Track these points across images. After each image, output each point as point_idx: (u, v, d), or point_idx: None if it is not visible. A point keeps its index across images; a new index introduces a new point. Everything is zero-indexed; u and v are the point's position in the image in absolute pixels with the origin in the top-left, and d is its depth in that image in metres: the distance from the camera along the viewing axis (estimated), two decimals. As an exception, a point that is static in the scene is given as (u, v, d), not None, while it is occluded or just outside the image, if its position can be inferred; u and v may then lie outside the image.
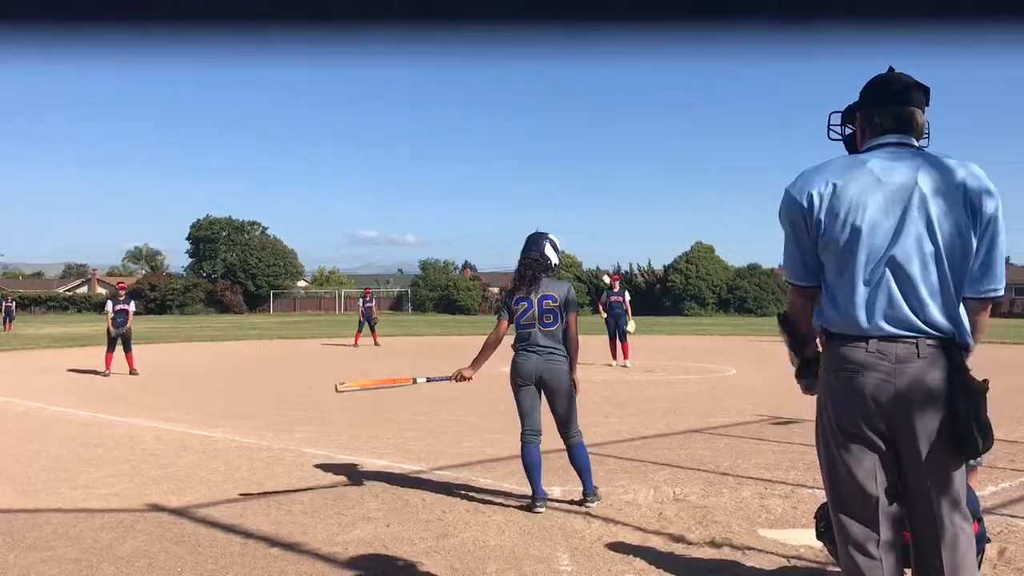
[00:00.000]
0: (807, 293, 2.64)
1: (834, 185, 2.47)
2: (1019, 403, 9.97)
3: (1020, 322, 37.77)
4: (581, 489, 5.33)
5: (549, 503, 5.29)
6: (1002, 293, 2.50)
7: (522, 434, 5.30)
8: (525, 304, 5.31)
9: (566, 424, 5.28)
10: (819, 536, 3.54)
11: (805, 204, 2.50)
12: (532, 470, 5.23)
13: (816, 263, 2.56)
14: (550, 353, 5.24)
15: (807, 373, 2.77)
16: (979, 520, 3.22)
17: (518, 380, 5.30)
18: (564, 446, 5.36)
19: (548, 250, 5.40)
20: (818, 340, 2.66)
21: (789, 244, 2.61)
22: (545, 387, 5.26)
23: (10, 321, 35.06)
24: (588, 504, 5.23)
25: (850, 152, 2.78)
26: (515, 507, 5.27)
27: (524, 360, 5.28)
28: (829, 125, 2.84)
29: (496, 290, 64.85)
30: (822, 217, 2.48)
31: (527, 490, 5.46)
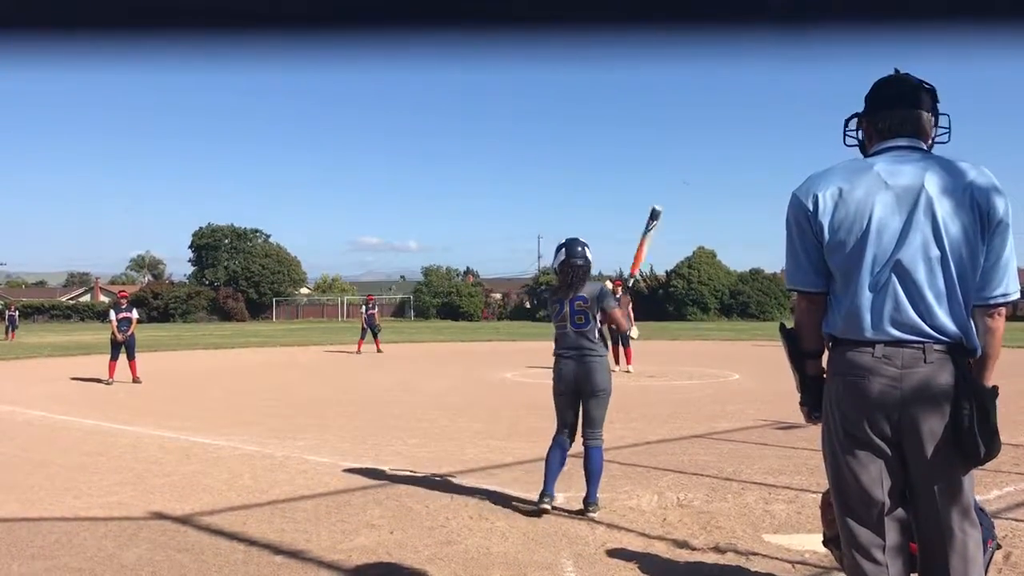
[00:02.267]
0: (813, 300, 2.57)
1: (840, 188, 2.45)
2: None
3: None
4: (584, 497, 5.29)
5: (554, 509, 5.28)
6: (1013, 299, 2.43)
7: (556, 434, 5.38)
8: (557, 306, 5.40)
9: (592, 424, 5.31)
10: (825, 543, 3.52)
11: (811, 207, 2.48)
12: (552, 470, 5.29)
13: (822, 268, 2.51)
14: (584, 355, 5.29)
15: (808, 397, 2.68)
16: (984, 525, 3.20)
17: (560, 387, 5.36)
18: (582, 446, 5.35)
19: (589, 254, 5.50)
20: (826, 350, 2.63)
21: (794, 249, 2.56)
22: (582, 390, 5.30)
23: (13, 330, 35.12)
24: (589, 514, 5.16)
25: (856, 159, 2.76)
26: (519, 513, 5.26)
27: (563, 366, 5.35)
28: (845, 131, 2.80)
29: (498, 296, 64.93)
30: (828, 221, 2.45)
31: (531, 496, 5.46)
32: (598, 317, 5.34)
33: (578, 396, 5.33)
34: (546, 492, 5.23)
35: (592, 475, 5.27)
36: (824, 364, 2.64)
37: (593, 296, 5.34)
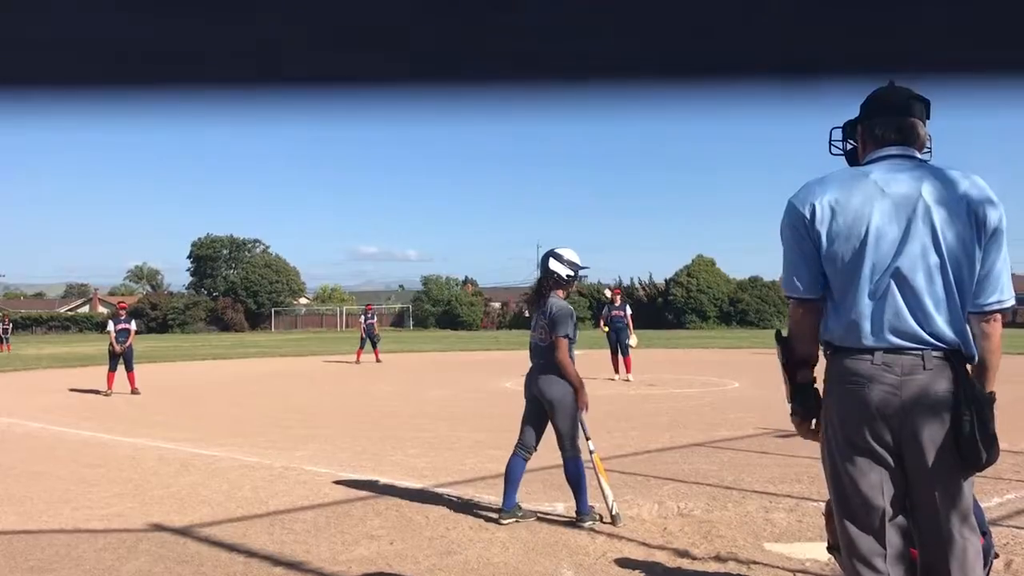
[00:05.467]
0: (808, 307, 2.58)
1: (837, 197, 2.47)
2: None
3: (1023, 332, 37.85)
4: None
5: (554, 519, 5.30)
6: (1008, 305, 2.45)
7: (515, 444, 5.42)
8: (533, 319, 5.52)
9: (559, 438, 5.30)
10: (829, 549, 3.52)
11: (808, 215, 2.49)
12: (507, 481, 5.30)
13: (818, 275, 2.53)
14: (543, 367, 5.33)
15: (798, 406, 2.66)
16: (985, 533, 3.20)
17: (525, 392, 5.45)
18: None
19: (552, 265, 5.44)
20: (822, 355, 2.63)
21: (790, 256, 2.58)
22: (543, 401, 5.32)
23: (6, 342, 35.10)
24: (581, 524, 5.14)
25: (852, 167, 2.78)
26: (519, 523, 5.25)
27: (528, 374, 5.45)
28: (831, 141, 2.83)
29: (498, 305, 64.96)
30: (825, 229, 2.47)
31: (532, 506, 5.46)
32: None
33: (540, 407, 5.37)
34: (504, 508, 5.30)
35: (572, 487, 5.25)
36: (814, 373, 2.65)
37: (550, 313, 5.32)
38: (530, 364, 5.45)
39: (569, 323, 5.30)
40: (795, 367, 2.65)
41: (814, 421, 2.65)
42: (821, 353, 2.62)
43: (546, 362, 5.30)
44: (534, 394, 5.35)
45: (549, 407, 5.28)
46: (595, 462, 5.36)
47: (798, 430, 2.72)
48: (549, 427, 5.37)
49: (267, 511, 5.74)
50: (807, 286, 2.56)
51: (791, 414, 2.71)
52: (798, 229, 2.53)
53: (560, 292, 5.43)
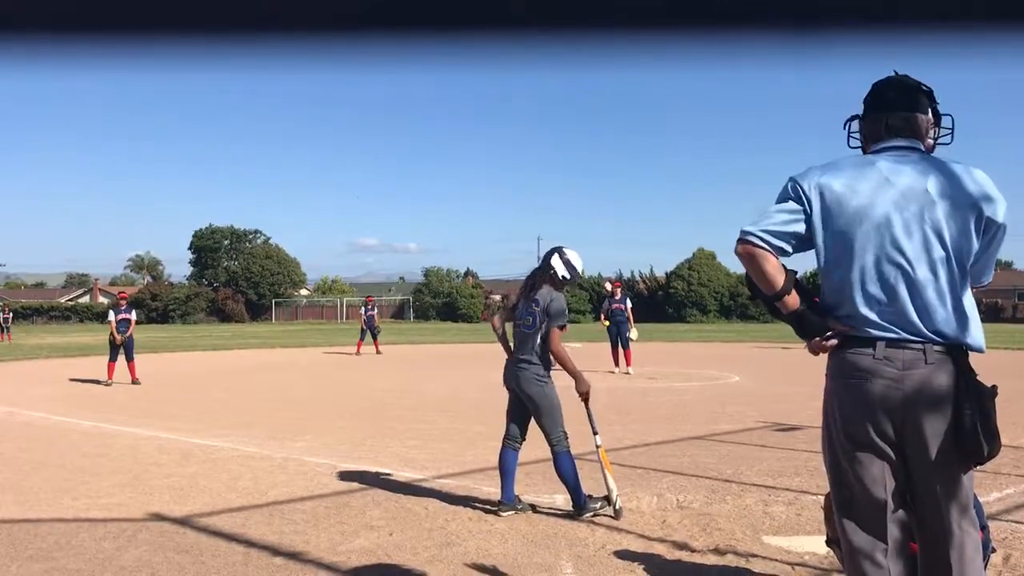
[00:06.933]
0: (764, 252, 2.47)
1: (842, 183, 2.45)
2: None
3: None
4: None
5: (554, 511, 5.30)
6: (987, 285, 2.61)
7: (503, 436, 5.41)
8: (518, 309, 5.43)
9: (544, 433, 5.27)
10: (828, 543, 3.52)
11: (811, 196, 2.48)
12: (502, 474, 5.32)
13: (790, 240, 2.48)
14: (520, 361, 5.30)
15: (801, 332, 2.54)
16: (984, 528, 3.20)
17: (504, 383, 5.43)
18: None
19: (554, 261, 5.42)
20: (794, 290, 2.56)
21: (776, 209, 2.50)
22: (523, 398, 5.29)
23: (7, 331, 35.17)
24: (579, 517, 5.13)
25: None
26: (518, 515, 5.25)
27: (506, 365, 5.44)
28: (849, 133, 2.71)
29: (498, 297, 64.96)
30: (827, 214, 2.46)
31: (531, 498, 5.46)
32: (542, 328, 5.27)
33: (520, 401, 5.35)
34: (502, 500, 5.31)
35: (563, 482, 5.24)
36: (793, 297, 2.53)
37: (545, 302, 5.27)
38: (509, 357, 5.41)
39: (565, 314, 5.32)
40: (774, 300, 2.54)
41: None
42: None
43: (526, 352, 5.27)
44: (512, 386, 5.34)
45: (531, 404, 5.26)
46: (601, 456, 5.35)
47: (817, 348, 2.56)
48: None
49: (267, 501, 5.75)
50: (775, 238, 2.48)
51: (804, 338, 2.57)
52: (796, 200, 2.49)
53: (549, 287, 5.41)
